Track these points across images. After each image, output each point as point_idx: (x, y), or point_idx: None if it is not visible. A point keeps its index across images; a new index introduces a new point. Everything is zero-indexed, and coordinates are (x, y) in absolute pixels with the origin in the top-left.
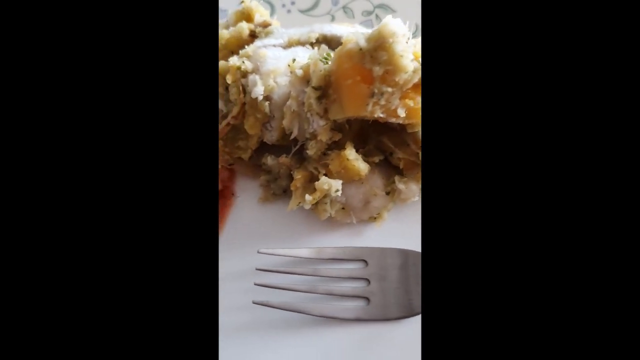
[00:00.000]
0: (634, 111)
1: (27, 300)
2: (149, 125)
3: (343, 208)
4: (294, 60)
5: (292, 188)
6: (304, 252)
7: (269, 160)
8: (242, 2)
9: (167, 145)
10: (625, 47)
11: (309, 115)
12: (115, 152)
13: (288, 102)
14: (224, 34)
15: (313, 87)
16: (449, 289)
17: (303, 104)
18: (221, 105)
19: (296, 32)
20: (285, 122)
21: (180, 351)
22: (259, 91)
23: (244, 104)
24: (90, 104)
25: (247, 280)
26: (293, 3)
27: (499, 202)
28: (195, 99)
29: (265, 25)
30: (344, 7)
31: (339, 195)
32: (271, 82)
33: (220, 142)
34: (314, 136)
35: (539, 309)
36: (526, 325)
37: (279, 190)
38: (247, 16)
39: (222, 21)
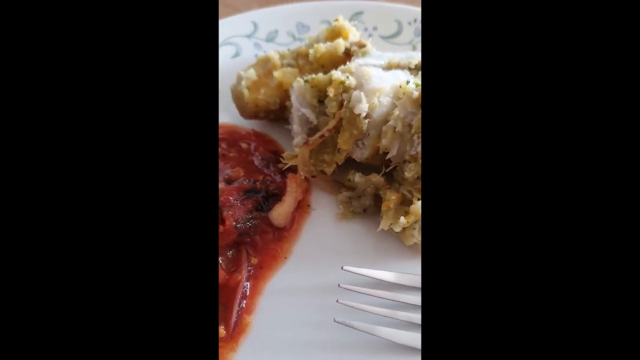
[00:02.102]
0: (634, 111)
1: (26, 300)
2: (148, 126)
3: None
4: (407, 82)
5: (383, 208)
6: (386, 276)
7: (357, 177)
8: (336, 20)
9: (168, 143)
10: (625, 46)
11: (415, 137)
12: (115, 153)
13: (391, 122)
14: (320, 47)
15: None
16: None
17: (409, 125)
18: (312, 116)
19: (395, 56)
20: (384, 142)
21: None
22: (363, 108)
23: (342, 118)
24: (89, 104)
25: (321, 295)
26: (375, 28)
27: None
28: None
29: (361, 45)
30: None
31: None
32: (375, 100)
33: (307, 153)
34: (414, 159)
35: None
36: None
37: (359, 208)
38: (337, 33)
39: (306, 35)
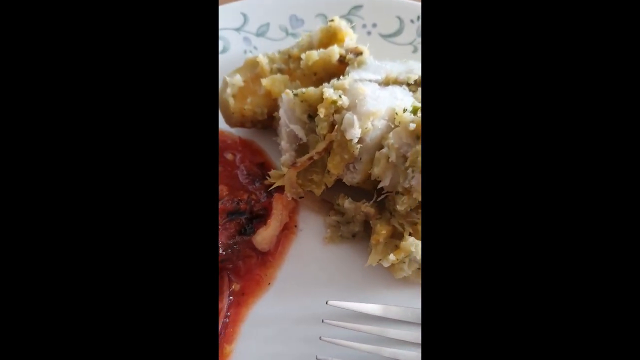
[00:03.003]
0: (634, 111)
1: (25, 300)
2: (147, 127)
3: (419, 268)
4: (404, 110)
5: (372, 242)
6: (373, 309)
7: (346, 203)
8: (332, 20)
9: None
10: (625, 47)
11: (409, 170)
12: (113, 155)
13: (384, 150)
14: (312, 55)
15: None
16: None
17: (403, 156)
18: (301, 133)
19: (393, 69)
20: (376, 171)
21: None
22: (355, 134)
23: (332, 141)
24: (89, 103)
25: (304, 326)
26: (375, 25)
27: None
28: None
29: (357, 52)
30: None
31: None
32: (369, 124)
33: (295, 175)
34: (407, 191)
35: None
36: None
37: (348, 233)
38: (332, 35)
39: (299, 29)
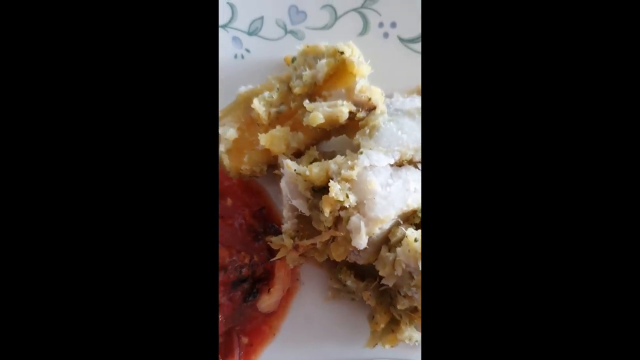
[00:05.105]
0: (634, 111)
1: (26, 301)
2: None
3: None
4: (415, 239)
5: (371, 329)
6: None
7: (349, 281)
8: (342, 52)
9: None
10: (625, 47)
11: (414, 288)
12: (113, 161)
13: (390, 256)
14: (317, 117)
15: None
16: None
17: (410, 274)
18: (304, 209)
19: (408, 147)
20: (380, 272)
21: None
22: (362, 243)
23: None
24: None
25: None
26: (394, 25)
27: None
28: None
29: (369, 108)
30: None
31: (417, 343)
32: (376, 230)
33: (297, 254)
34: (409, 297)
35: None
36: None
37: (348, 298)
38: (342, 68)
39: (300, 25)
